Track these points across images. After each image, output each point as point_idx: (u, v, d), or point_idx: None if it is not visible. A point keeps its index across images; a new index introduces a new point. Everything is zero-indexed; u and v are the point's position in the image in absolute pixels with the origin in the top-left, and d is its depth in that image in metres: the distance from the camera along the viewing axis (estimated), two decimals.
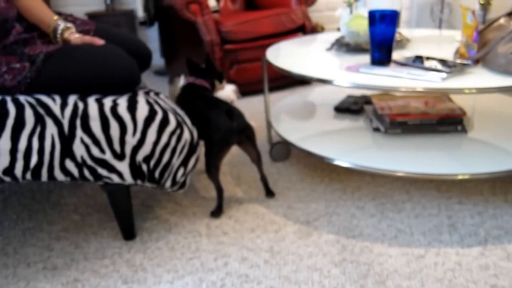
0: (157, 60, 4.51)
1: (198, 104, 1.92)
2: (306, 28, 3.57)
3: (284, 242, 1.68)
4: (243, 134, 1.86)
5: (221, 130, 1.80)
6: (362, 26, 2.08)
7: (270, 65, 2.08)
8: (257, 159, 1.96)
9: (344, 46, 2.17)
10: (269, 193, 2.02)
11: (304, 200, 1.96)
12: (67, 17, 1.82)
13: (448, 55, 1.97)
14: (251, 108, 3.17)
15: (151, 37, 4.52)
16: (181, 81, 2.42)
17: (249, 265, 1.57)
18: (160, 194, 2.07)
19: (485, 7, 3.83)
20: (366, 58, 1.95)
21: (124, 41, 1.82)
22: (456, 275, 1.48)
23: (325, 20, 4.54)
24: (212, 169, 1.83)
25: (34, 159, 1.46)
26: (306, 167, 2.26)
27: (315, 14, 4.52)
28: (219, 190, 1.87)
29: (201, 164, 2.32)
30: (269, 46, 2.42)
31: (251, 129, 1.90)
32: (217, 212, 1.88)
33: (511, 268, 1.50)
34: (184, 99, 2.00)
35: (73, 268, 1.59)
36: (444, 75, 1.65)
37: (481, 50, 1.78)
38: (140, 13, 3.93)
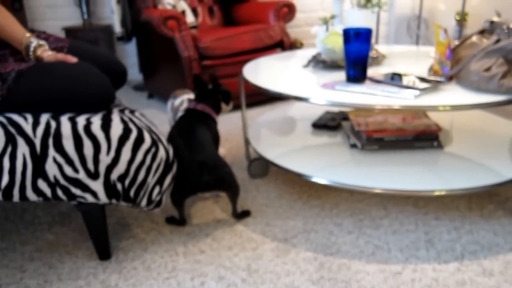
0: (136, 75, 4.50)
1: (181, 136, 1.89)
2: (284, 44, 3.59)
3: (261, 260, 1.68)
4: (215, 187, 1.81)
5: (187, 181, 1.79)
6: (338, 44, 2.10)
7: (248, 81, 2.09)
8: (231, 197, 1.94)
9: (320, 63, 2.19)
10: (239, 216, 1.98)
11: (282, 217, 1.96)
12: (40, 34, 1.81)
13: (424, 72, 2.00)
14: (230, 125, 3.16)
15: (129, 52, 4.52)
16: (178, 100, 2.39)
17: (226, 284, 1.56)
18: (136, 212, 2.05)
19: (461, 22, 3.89)
20: (342, 75, 1.97)
21: (98, 58, 1.81)
22: None
23: (304, 36, 4.58)
24: (174, 203, 1.88)
25: (5, 179, 1.45)
26: (284, 184, 2.26)
27: (294, 29, 4.55)
28: (181, 220, 1.93)
29: None
30: (247, 62, 2.43)
31: (226, 182, 1.84)
32: (172, 220, 1.95)
33: (487, 283, 1.52)
34: (180, 127, 1.97)
35: None
36: (417, 92, 1.67)
37: (454, 67, 1.81)
38: (118, 28, 3.92)
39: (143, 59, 4.03)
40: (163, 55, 3.51)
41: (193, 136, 1.90)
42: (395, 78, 1.82)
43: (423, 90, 1.68)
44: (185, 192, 1.83)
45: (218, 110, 2.15)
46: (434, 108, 1.59)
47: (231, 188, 1.88)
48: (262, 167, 2.35)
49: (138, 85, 4.32)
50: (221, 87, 2.16)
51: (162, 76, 3.64)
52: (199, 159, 1.79)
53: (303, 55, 2.54)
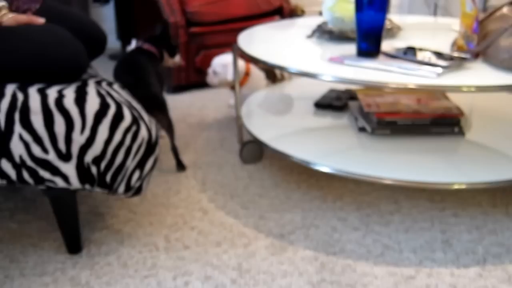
0: (113, 43, 4.46)
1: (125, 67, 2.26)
2: (284, 11, 3.57)
3: (254, 259, 1.68)
4: (147, 103, 1.96)
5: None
6: (347, 12, 2.09)
7: (242, 52, 2.07)
8: (167, 128, 2.16)
9: (327, 33, 2.17)
10: (180, 165, 2.28)
11: (278, 210, 1.96)
12: None
13: (444, 47, 1.98)
14: (219, 101, 3.15)
15: (106, 16, 4.48)
16: (132, 45, 2.55)
17: (214, 285, 1.56)
18: (111, 200, 2.04)
19: None
20: (351, 48, 1.95)
21: (73, 21, 1.79)
22: None
23: (305, 2, 4.55)
24: None
25: None
26: (280, 171, 2.26)
27: None
28: None
29: (160, 165, 2.30)
30: (241, 30, 2.41)
31: (157, 98, 2.14)
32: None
33: None
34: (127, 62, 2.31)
35: (7, 286, 1.56)
36: (439, 70, 1.66)
37: (481, 43, 1.80)
38: None
39: (122, 24, 4.00)
40: (146, 21, 3.48)
41: (138, 73, 2.21)
42: (410, 53, 1.82)
43: (446, 67, 1.67)
44: None
45: (161, 57, 2.46)
46: (457, 89, 1.58)
47: (160, 105, 2.15)
48: (255, 151, 2.34)
49: (115, 54, 4.29)
50: (168, 37, 2.50)
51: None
52: (136, 76, 2.15)
53: (305, 24, 2.52)
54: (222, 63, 2.65)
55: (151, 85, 2.16)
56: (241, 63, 2.67)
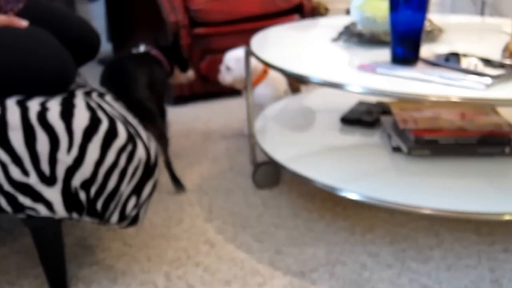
0: (103, 45, 4.49)
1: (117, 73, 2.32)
2: (304, 9, 3.58)
3: None
4: (131, 110, 2.03)
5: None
6: (380, 11, 2.09)
7: (255, 58, 2.08)
8: (158, 139, 2.18)
9: (355, 36, 2.17)
10: (177, 184, 2.33)
11: (297, 243, 1.95)
12: None
13: (494, 52, 1.98)
14: (227, 115, 3.16)
15: (95, 14, 4.51)
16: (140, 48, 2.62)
17: None
18: (103, 231, 2.05)
19: None
20: (385, 53, 1.95)
21: (61, 21, 1.81)
22: None
23: None
24: None
25: None
26: (300, 198, 2.25)
27: None
28: None
29: (160, 190, 2.31)
30: (254, 32, 2.41)
31: (140, 104, 2.17)
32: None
33: None
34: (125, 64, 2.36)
35: None
36: (488, 80, 1.65)
37: None
38: None
39: (113, 23, 4.03)
40: (142, 20, 3.50)
41: (123, 78, 2.26)
42: (453, 60, 1.81)
43: (495, 77, 1.66)
44: None
45: (171, 71, 2.58)
46: (509, 103, 1.57)
47: (149, 114, 2.20)
48: (271, 174, 2.34)
49: (105, 58, 4.31)
50: (180, 50, 2.59)
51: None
52: (123, 76, 2.24)
53: (330, 24, 2.53)
54: (236, 57, 2.67)
55: (135, 90, 2.21)
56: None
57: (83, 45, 1.82)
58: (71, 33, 1.74)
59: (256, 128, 2.38)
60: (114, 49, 4.12)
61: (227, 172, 2.48)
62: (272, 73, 2.71)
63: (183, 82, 2.70)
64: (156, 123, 2.22)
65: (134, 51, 2.55)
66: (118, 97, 1.90)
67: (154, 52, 2.50)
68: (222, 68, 2.71)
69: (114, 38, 4.16)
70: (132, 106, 2.04)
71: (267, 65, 1.97)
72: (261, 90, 2.68)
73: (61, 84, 1.59)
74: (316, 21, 2.64)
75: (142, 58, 2.46)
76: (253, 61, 2.36)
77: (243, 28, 3.34)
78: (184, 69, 2.60)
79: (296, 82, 2.83)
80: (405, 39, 1.80)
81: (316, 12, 3.68)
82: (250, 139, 2.37)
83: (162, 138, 2.24)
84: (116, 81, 2.24)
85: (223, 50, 3.28)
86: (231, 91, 3.44)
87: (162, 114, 2.59)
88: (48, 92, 1.58)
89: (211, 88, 3.38)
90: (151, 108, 2.22)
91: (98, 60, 4.28)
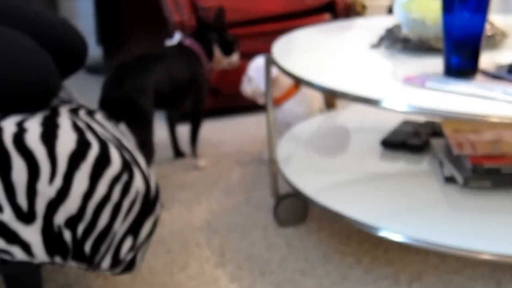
0: (91, 50, 4.51)
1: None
2: (337, 7, 3.58)
3: None
4: (122, 107, 2.13)
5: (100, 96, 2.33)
6: (430, 12, 2.09)
7: (278, 67, 2.09)
8: (141, 147, 2.15)
9: (400, 42, 2.18)
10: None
11: None
12: None
13: None
14: (243, 135, 3.17)
15: (81, 11, 4.53)
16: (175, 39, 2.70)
17: None
18: (91, 277, 2.06)
19: None
20: (436, 63, 1.96)
21: (39, 25, 1.81)
22: None
23: None
24: None
25: None
26: (332, 238, 2.25)
27: None
28: None
29: (161, 226, 2.31)
30: (276, 35, 2.42)
31: (131, 103, 2.26)
32: None
33: None
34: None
35: None
36: None
37: None
38: None
39: (104, 24, 4.05)
40: (138, 19, 3.53)
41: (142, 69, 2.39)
42: None
43: None
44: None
45: (209, 56, 2.68)
46: None
47: (138, 115, 2.28)
48: (297, 208, 2.34)
49: (94, 64, 4.33)
50: (224, 28, 2.70)
51: (134, 52, 3.65)
52: (125, 67, 2.40)
53: (368, 26, 2.54)
54: (257, 66, 2.69)
55: (127, 83, 2.29)
56: None
57: (66, 53, 1.81)
58: (51, 39, 1.74)
59: (279, 152, 2.38)
60: (104, 54, 4.15)
61: (243, 206, 2.49)
62: (304, 89, 2.72)
63: (225, 67, 2.76)
64: (144, 128, 2.27)
65: (168, 43, 2.66)
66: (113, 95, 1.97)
67: (189, 42, 2.57)
68: (245, 78, 2.73)
69: (104, 41, 4.18)
70: (120, 103, 2.14)
71: (291, 76, 1.98)
72: (290, 107, 2.69)
73: (42, 98, 1.59)
74: (351, 22, 2.65)
75: (165, 51, 2.57)
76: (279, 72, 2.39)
77: (262, 30, 3.35)
78: (227, 52, 2.66)
79: (332, 97, 2.83)
80: (461, 46, 1.79)
81: (351, 10, 3.67)
82: (271, 165, 2.38)
83: (145, 147, 2.25)
84: (114, 77, 2.36)
85: (240, 55, 3.32)
86: (247, 107, 3.46)
87: (195, 120, 2.74)
88: (26, 108, 1.58)
89: (223, 103, 3.39)
90: (143, 107, 2.27)
91: (87, 68, 4.31)
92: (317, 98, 2.77)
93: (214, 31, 2.65)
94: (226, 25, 2.71)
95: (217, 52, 2.65)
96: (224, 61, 2.70)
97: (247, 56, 3.27)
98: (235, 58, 2.71)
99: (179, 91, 2.59)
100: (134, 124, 2.18)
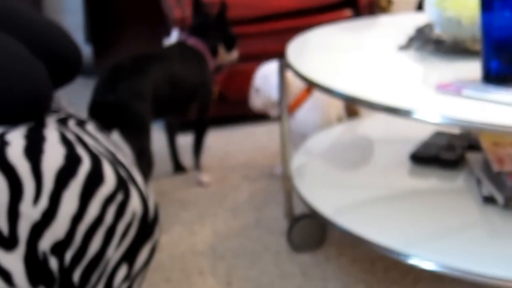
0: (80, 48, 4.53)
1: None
2: (359, 2, 3.59)
3: None
4: (115, 113, 2.14)
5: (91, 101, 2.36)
6: (466, 9, 2.08)
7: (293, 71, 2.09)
8: (138, 158, 2.20)
9: (432, 43, 2.18)
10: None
11: None
12: None
13: None
14: (252, 147, 3.17)
15: (68, 6, 4.55)
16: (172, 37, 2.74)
17: None
18: None
19: None
20: (473, 68, 1.95)
21: (31, 30, 1.82)
22: None
23: None
24: None
25: None
26: (354, 265, 2.25)
27: None
28: None
29: (161, 252, 2.31)
30: (290, 34, 2.42)
31: (125, 107, 2.29)
32: None
33: None
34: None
35: None
36: None
37: None
38: None
39: (94, 19, 4.07)
40: (132, 14, 3.54)
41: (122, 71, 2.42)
42: None
43: None
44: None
45: (214, 52, 2.73)
46: None
47: (133, 121, 2.29)
48: (313, 231, 2.34)
49: (84, 65, 4.34)
50: (226, 23, 2.68)
51: (128, 51, 3.66)
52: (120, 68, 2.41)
53: (395, 25, 2.54)
54: (264, 74, 2.70)
55: (122, 88, 2.31)
56: None
57: (58, 62, 1.82)
58: (40, 44, 1.74)
59: (293, 167, 2.38)
60: (95, 54, 4.16)
61: (252, 229, 2.49)
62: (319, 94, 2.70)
63: (226, 63, 2.81)
64: (139, 135, 2.28)
65: (166, 42, 2.71)
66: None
67: (192, 41, 2.59)
68: (252, 90, 2.73)
69: (94, 39, 4.18)
70: (113, 108, 2.12)
71: (308, 82, 1.97)
72: (304, 115, 2.68)
73: (32, 110, 1.60)
74: (375, 20, 2.65)
75: (165, 51, 2.63)
76: (289, 76, 2.37)
77: (275, 28, 3.35)
78: (229, 48, 2.72)
79: (354, 104, 2.82)
80: (502, 48, 1.79)
81: (375, 6, 3.67)
82: (285, 182, 2.37)
83: (143, 156, 2.28)
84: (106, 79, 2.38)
85: (247, 58, 3.29)
86: (256, 115, 3.46)
87: (200, 129, 2.75)
88: (13, 121, 1.59)
89: (229, 110, 3.39)
90: (138, 113, 2.29)
91: None
92: (335, 105, 2.76)
93: (217, 27, 2.69)
94: (230, 21, 2.77)
95: (221, 50, 2.71)
96: (226, 58, 2.76)
97: (258, 58, 3.28)
98: (235, 54, 2.77)
99: (182, 97, 2.61)
100: (128, 132, 2.19)
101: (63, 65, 1.86)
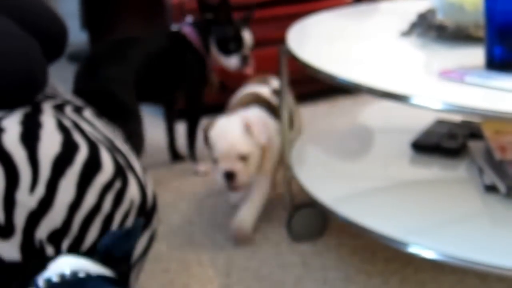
0: (75, 35, 4.51)
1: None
2: None
3: None
4: (98, 100, 2.12)
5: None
6: None
7: (292, 58, 2.09)
8: (130, 141, 2.13)
9: (434, 29, 2.18)
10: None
11: None
12: None
13: None
14: None
15: None
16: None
17: None
18: None
19: None
20: (477, 55, 1.96)
21: (15, 6, 1.81)
22: None
23: None
24: None
25: None
26: (355, 255, 2.26)
27: None
28: None
29: (159, 242, 2.32)
30: (290, 20, 2.43)
31: (110, 94, 2.30)
32: None
33: None
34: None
35: None
36: None
37: None
38: None
39: (90, 6, 4.06)
40: (130, 0, 3.53)
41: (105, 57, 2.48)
42: None
43: None
44: None
45: (207, 50, 2.74)
46: None
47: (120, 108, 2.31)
48: (314, 221, 2.35)
49: (78, 52, 4.32)
50: (231, 19, 2.73)
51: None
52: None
53: (397, 10, 2.54)
54: (218, 132, 2.42)
55: (103, 74, 2.37)
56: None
57: (44, 38, 1.79)
58: (25, 21, 1.74)
59: (294, 156, 2.39)
60: (91, 39, 4.15)
61: None
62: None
63: (225, 64, 2.80)
64: (126, 118, 2.30)
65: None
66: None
67: (186, 30, 2.62)
68: (212, 167, 2.52)
69: (90, 25, 4.18)
70: (96, 95, 2.20)
71: (310, 68, 1.97)
72: None
73: (27, 92, 1.60)
74: (377, 6, 2.64)
75: (148, 37, 2.65)
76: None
77: (275, 14, 3.35)
78: (225, 51, 2.72)
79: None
80: (506, 34, 1.79)
81: None
82: (285, 171, 2.38)
83: (135, 139, 2.29)
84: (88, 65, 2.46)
85: None
86: None
87: (189, 119, 2.79)
88: (7, 103, 1.59)
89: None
90: (123, 99, 2.34)
91: (69, 55, 4.29)
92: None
93: (214, 22, 2.70)
94: (231, 18, 2.76)
95: (213, 48, 2.71)
96: (221, 60, 2.75)
97: (258, 44, 3.28)
98: (233, 61, 2.72)
99: (163, 82, 2.66)
100: (116, 119, 2.19)
101: (50, 41, 1.85)
